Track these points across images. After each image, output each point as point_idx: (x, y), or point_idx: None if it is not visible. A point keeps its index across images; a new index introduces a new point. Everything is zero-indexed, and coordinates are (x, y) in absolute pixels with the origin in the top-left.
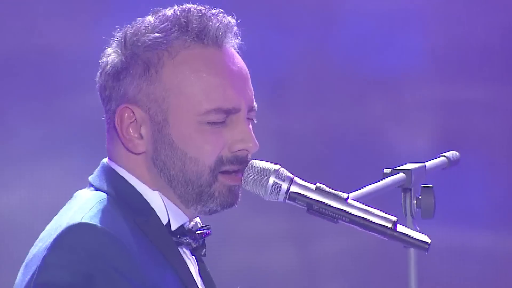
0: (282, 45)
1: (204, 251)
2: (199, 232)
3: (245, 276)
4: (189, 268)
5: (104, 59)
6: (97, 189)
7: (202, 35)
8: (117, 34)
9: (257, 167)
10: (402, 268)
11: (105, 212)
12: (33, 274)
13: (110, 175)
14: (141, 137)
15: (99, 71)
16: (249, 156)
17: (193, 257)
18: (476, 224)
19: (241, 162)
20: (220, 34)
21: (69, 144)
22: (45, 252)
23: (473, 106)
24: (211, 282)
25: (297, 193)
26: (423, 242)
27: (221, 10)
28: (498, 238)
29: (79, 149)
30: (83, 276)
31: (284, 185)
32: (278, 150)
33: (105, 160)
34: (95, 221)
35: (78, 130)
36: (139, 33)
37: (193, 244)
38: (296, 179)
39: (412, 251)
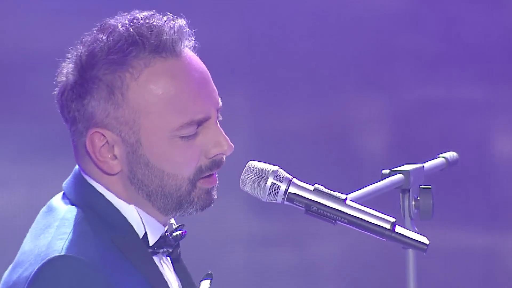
0: (279, 43)
1: (178, 251)
2: (174, 234)
3: (243, 277)
4: (165, 280)
5: (62, 79)
6: (72, 203)
7: (159, 49)
8: (72, 53)
9: (255, 168)
10: (401, 269)
11: (83, 237)
12: None
13: (84, 188)
14: (115, 157)
15: (58, 90)
16: (224, 158)
17: (168, 258)
18: (474, 225)
19: (219, 165)
20: (176, 42)
21: (69, 144)
22: (26, 286)
23: (472, 105)
24: (188, 279)
25: (296, 194)
26: (421, 243)
27: (169, 13)
28: (496, 239)
29: None
30: None
31: (283, 186)
32: (276, 151)
33: (77, 168)
34: (75, 252)
35: None
36: (95, 56)
37: (169, 250)
38: (294, 180)
39: (410, 252)
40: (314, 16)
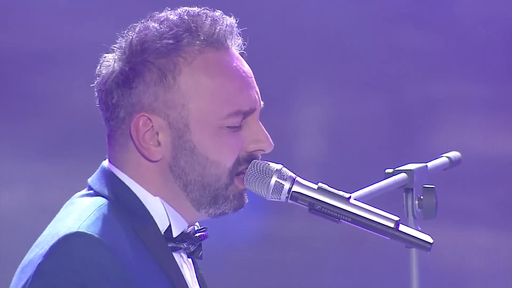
0: (281, 42)
1: (200, 253)
2: (197, 235)
3: (246, 275)
4: (183, 276)
5: (107, 67)
6: (96, 193)
7: (212, 39)
8: (120, 41)
9: (259, 166)
10: (404, 267)
11: (103, 220)
12: (28, 280)
13: (110, 179)
14: (158, 144)
15: (100, 79)
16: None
17: (190, 260)
18: (477, 224)
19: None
20: (228, 36)
21: (71, 143)
22: (40, 259)
23: (475, 105)
24: (204, 284)
25: (299, 193)
26: (425, 241)
27: (220, 11)
28: (499, 238)
29: (81, 148)
30: (76, 286)
31: (286, 185)
32: (280, 149)
33: (106, 163)
34: (92, 231)
35: (81, 130)
36: (148, 40)
37: (191, 248)
38: (298, 178)
39: (414, 251)
40: (315, 16)
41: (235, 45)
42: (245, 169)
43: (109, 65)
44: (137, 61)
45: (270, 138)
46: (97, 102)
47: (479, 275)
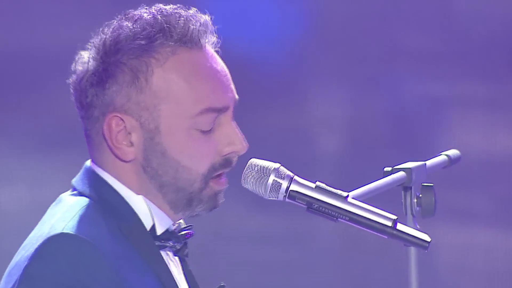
0: (280, 41)
1: (186, 251)
2: (182, 233)
3: (244, 274)
4: (171, 273)
5: (82, 65)
6: (80, 194)
7: (186, 39)
8: (94, 40)
9: (257, 165)
10: (403, 266)
11: (88, 220)
12: (14, 283)
13: (93, 179)
14: (131, 144)
15: (75, 77)
16: (236, 158)
17: (176, 257)
18: (476, 222)
19: (230, 164)
20: (202, 35)
21: (69, 141)
22: (26, 262)
23: (474, 103)
24: (193, 280)
25: (297, 192)
26: (423, 240)
27: (195, 9)
28: (498, 237)
29: (81, 147)
30: (64, 287)
31: (284, 184)
32: (278, 148)
33: (88, 163)
34: (77, 231)
35: (81, 129)
36: (121, 40)
37: (177, 246)
38: (296, 177)
39: (412, 249)
40: (315, 14)
41: (210, 43)
42: (221, 173)
43: (84, 63)
44: (110, 62)
45: (243, 140)
46: (73, 99)
47: (478, 274)
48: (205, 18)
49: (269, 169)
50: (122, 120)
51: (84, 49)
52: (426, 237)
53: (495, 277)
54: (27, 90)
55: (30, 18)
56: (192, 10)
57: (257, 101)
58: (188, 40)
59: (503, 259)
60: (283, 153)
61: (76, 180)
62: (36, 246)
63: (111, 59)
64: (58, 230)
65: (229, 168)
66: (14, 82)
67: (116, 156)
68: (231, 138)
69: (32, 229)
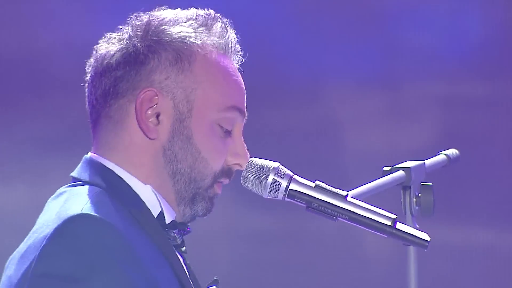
0: (280, 39)
1: (184, 247)
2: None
3: (243, 273)
4: (180, 261)
5: (116, 43)
6: (84, 183)
7: (222, 41)
8: (134, 22)
9: (256, 164)
10: (402, 265)
11: (103, 204)
12: (30, 264)
13: (98, 169)
14: (158, 123)
15: (103, 53)
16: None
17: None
18: (476, 222)
19: (231, 175)
20: (233, 47)
21: (71, 140)
22: (44, 242)
23: (473, 103)
24: (193, 274)
25: (297, 191)
26: (422, 239)
27: (227, 20)
28: (498, 236)
29: (81, 146)
30: (85, 267)
31: (284, 183)
32: (278, 147)
33: (89, 155)
34: (96, 212)
35: (81, 126)
36: (167, 23)
37: (178, 239)
38: (295, 176)
39: (411, 248)
40: (316, 14)
41: (235, 60)
42: (223, 179)
43: (120, 40)
44: (154, 40)
45: (248, 155)
46: (87, 83)
47: (477, 274)
48: (234, 35)
49: (269, 168)
50: (157, 96)
51: (84, 49)
52: (426, 237)
53: (494, 276)
54: (27, 90)
55: (30, 18)
56: (226, 20)
57: (257, 101)
58: (225, 45)
59: (503, 259)
60: (282, 153)
61: (78, 172)
62: (54, 226)
63: (155, 38)
64: (76, 211)
65: (229, 178)
66: (14, 82)
67: (142, 130)
68: (239, 150)
69: (31, 229)
